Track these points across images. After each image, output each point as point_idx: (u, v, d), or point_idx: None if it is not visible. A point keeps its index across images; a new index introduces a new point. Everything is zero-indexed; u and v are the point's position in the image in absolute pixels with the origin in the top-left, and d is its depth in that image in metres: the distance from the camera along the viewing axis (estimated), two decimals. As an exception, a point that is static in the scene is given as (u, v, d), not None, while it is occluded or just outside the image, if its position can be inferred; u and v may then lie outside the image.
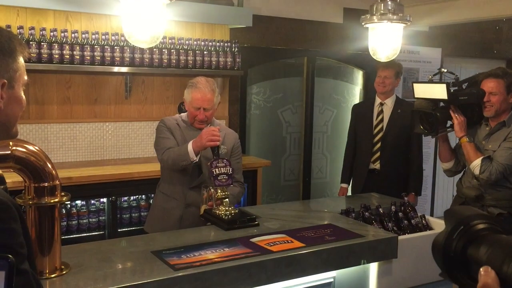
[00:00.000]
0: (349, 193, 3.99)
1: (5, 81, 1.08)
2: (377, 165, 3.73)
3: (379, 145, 3.72)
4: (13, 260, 0.79)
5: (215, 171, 2.41)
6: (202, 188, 2.60)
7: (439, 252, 0.88)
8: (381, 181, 3.64)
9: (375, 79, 3.79)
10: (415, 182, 3.75)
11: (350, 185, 3.97)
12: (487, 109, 2.89)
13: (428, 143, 5.78)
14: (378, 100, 3.79)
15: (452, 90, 2.88)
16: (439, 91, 2.88)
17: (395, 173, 3.69)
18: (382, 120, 3.74)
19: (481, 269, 0.79)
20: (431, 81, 3.04)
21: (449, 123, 3.02)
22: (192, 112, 2.73)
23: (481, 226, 0.87)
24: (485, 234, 0.86)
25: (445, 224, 0.90)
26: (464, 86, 3.01)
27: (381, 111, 3.76)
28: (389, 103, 3.75)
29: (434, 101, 3.01)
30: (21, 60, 1.13)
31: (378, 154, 3.72)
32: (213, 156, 2.50)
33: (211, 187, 2.50)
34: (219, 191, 2.40)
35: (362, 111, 3.88)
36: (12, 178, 2.05)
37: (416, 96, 3.05)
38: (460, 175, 3.20)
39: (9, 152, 1.51)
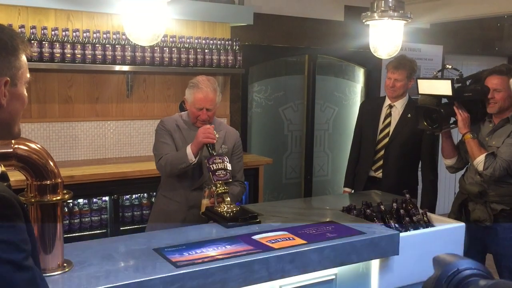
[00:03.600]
0: None
1: (8, 79, 1.08)
2: (379, 174, 3.39)
3: (382, 152, 3.38)
4: None
5: (213, 166, 2.41)
6: (203, 186, 2.61)
7: None
8: (383, 191, 3.20)
9: (385, 80, 3.40)
10: (428, 198, 3.35)
11: (353, 190, 3.56)
12: (491, 106, 2.89)
13: (430, 141, 5.78)
14: (387, 101, 3.43)
15: (456, 87, 2.88)
16: (443, 87, 2.87)
17: (399, 184, 3.18)
18: (389, 124, 3.40)
19: None
20: (435, 77, 3.03)
21: (452, 119, 3.02)
22: (194, 112, 2.71)
23: (468, 272, 0.91)
24: (473, 280, 0.90)
25: (434, 270, 0.95)
26: (467, 83, 3.01)
27: (389, 114, 3.41)
28: (399, 106, 3.39)
29: (438, 97, 3.01)
30: (23, 58, 1.13)
31: (381, 162, 3.38)
32: (209, 153, 2.51)
33: (212, 185, 2.50)
34: (219, 186, 2.40)
35: (369, 111, 3.52)
36: (15, 177, 2.05)
37: (420, 92, 3.04)
38: (462, 171, 3.20)
39: (11, 150, 1.51)
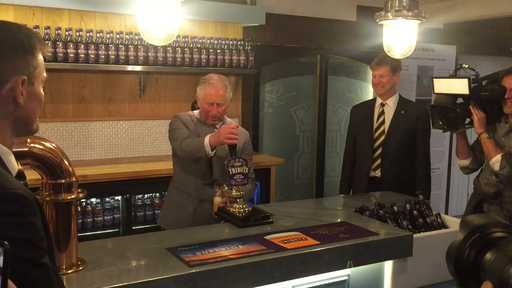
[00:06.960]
0: None
1: (25, 77, 1.10)
2: (378, 173, 3.37)
3: (380, 150, 3.36)
4: (8, 247, 0.78)
5: (232, 170, 2.38)
6: (214, 186, 2.61)
7: (451, 261, 0.88)
8: (383, 189, 3.25)
9: (371, 79, 3.41)
10: (423, 190, 3.23)
11: (350, 194, 3.55)
12: (507, 106, 2.86)
13: (443, 141, 5.73)
14: (379, 101, 3.42)
15: (472, 86, 2.86)
16: (460, 86, 2.85)
17: (397, 181, 3.30)
18: (383, 122, 3.38)
19: (482, 286, 0.78)
20: (452, 76, 3.00)
21: (467, 120, 2.99)
22: (205, 108, 2.74)
23: (498, 234, 0.85)
24: (501, 242, 0.84)
25: (459, 233, 0.89)
26: (484, 83, 2.98)
27: (382, 112, 3.39)
28: (391, 104, 3.37)
29: (454, 97, 2.98)
30: (40, 57, 1.14)
31: (379, 161, 3.36)
32: (230, 155, 2.50)
33: (225, 185, 2.50)
34: (234, 191, 2.39)
35: (362, 113, 3.50)
36: (29, 176, 2.07)
37: (436, 91, 3.01)
38: (477, 172, 3.17)
39: (27, 149, 1.52)
